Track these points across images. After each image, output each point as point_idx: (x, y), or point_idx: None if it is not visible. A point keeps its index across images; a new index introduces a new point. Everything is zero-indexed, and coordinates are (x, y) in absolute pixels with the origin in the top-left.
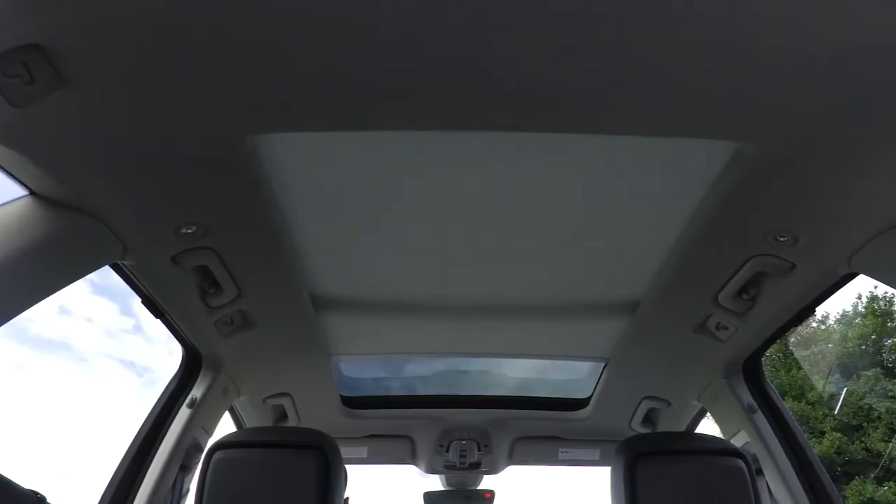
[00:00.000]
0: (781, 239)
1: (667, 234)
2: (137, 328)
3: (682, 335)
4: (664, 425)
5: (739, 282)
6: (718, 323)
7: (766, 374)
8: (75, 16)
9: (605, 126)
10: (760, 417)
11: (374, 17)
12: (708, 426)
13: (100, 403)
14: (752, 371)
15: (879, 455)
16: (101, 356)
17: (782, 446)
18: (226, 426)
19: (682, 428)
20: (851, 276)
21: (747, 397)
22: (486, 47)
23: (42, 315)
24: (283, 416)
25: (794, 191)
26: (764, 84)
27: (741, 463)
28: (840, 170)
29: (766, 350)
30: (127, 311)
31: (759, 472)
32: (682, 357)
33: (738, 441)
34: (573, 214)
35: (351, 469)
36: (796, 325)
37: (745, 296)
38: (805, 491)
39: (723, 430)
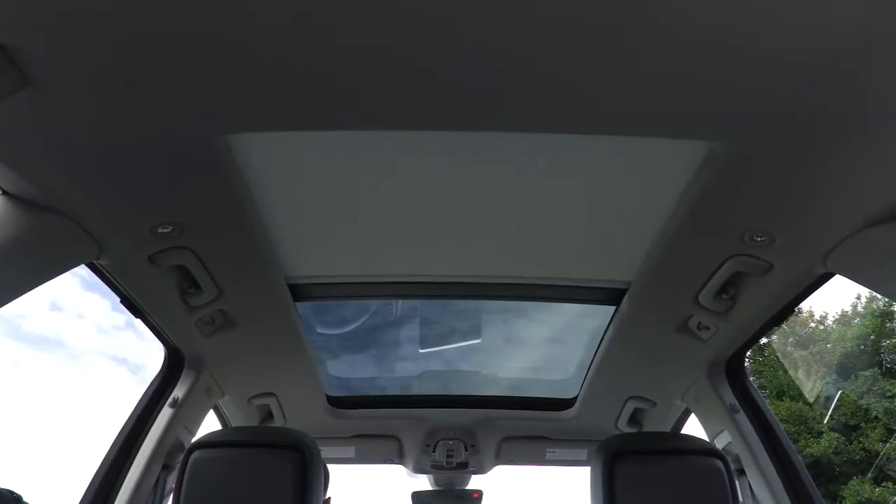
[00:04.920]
0: (758, 239)
1: (645, 233)
2: (129, 324)
3: (664, 335)
4: (650, 425)
5: (719, 281)
6: (700, 323)
7: (766, 373)
8: (39, 16)
9: (576, 125)
10: (742, 417)
11: (347, 19)
12: (697, 426)
13: (95, 402)
14: (734, 371)
15: (878, 455)
16: (94, 353)
17: (764, 446)
18: (213, 426)
19: (667, 428)
20: (828, 275)
21: (729, 397)
22: (455, 51)
23: (35, 312)
24: (268, 415)
25: (769, 191)
26: (734, 85)
27: (720, 463)
28: (812, 171)
29: (748, 350)
30: (118, 308)
31: (742, 472)
32: (665, 357)
33: (722, 441)
34: (551, 215)
35: (344, 469)
36: (777, 325)
37: (724, 296)
38: (787, 491)
39: (706, 430)
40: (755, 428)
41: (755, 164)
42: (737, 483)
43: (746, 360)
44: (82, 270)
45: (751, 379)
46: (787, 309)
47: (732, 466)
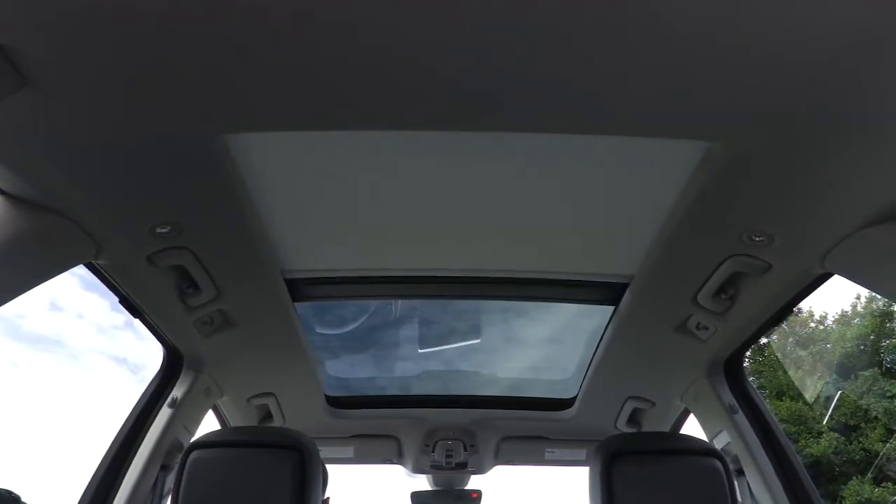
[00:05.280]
0: (757, 239)
1: (644, 232)
2: (129, 324)
3: (663, 335)
4: (649, 425)
5: (717, 281)
6: (699, 323)
7: (766, 373)
8: (37, 16)
9: (575, 126)
10: (741, 417)
11: (347, 19)
12: (696, 426)
13: (95, 402)
14: (733, 371)
15: (878, 456)
16: (94, 353)
17: (763, 446)
18: (211, 426)
19: (667, 428)
20: (827, 275)
21: (728, 397)
22: (455, 51)
23: (34, 311)
24: (267, 416)
25: (768, 191)
26: (733, 85)
27: (718, 463)
28: (811, 171)
29: (746, 350)
30: (117, 308)
31: (741, 472)
32: (664, 357)
33: (721, 441)
34: (550, 214)
35: (343, 469)
36: (776, 325)
37: (723, 296)
38: (785, 491)
39: (705, 431)
40: (754, 428)
41: (754, 163)
42: (735, 483)
43: (746, 359)
44: (82, 270)
45: (750, 379)
46: (786, 309)
47: (731, 466)
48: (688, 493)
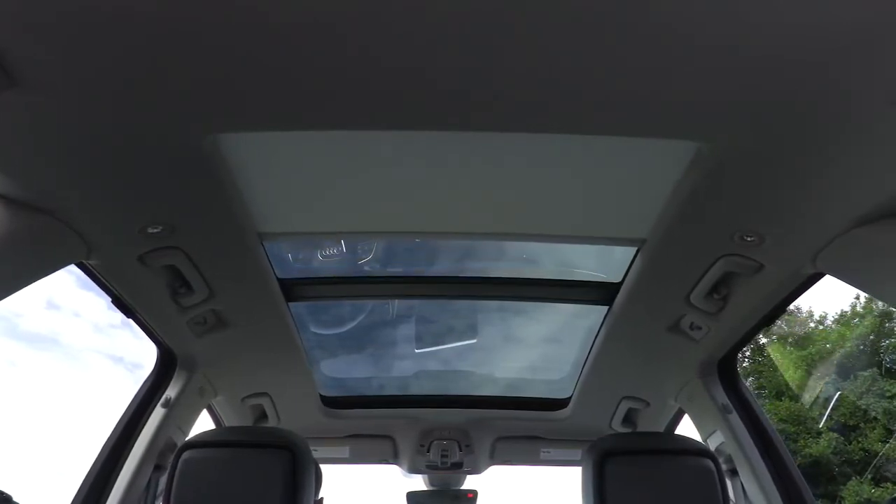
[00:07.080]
0: (748, 239)
1: (637, 232)
2: (126, 323)
3: (657, 335)
4: (644, 425)
5: (710, 282)
6: (692, 323)
7: (765, 373)
8: (33, 16)
9: (568, 126)
10: (735, 418)
11: (340, 21)
12: (691, 426)
13: (94, 400)
14: (726, 371)
15: (877, 456)
16: (91, 351)
17: (756, 446)
18: (207, 426)
19: (661, 428)
20: (819, 275)
21: (722, 397)
22: (449, 52)
23: (31, 310)
24: (262, 416)
25: (759, 191)
26: (726, 85)
27: (710, 463)
28: (801, 171)
29: (740, 350)
30: (113, 307)
31: (735, 472)
32: (658, 357)
33: (715, 441)
34: (544, 213)
35: (341, 469)
36: (769, 325)
37: (716, 296)
38: (778, 491)
39: (699, 431)
40: (747, 428)
41: (745, 164)
42: (728, 483)
43: (746, 359)
44: (78, 268)
45: (750, 379)
46: (779, 309)
47: (725, 466)
48: (680, 493)
